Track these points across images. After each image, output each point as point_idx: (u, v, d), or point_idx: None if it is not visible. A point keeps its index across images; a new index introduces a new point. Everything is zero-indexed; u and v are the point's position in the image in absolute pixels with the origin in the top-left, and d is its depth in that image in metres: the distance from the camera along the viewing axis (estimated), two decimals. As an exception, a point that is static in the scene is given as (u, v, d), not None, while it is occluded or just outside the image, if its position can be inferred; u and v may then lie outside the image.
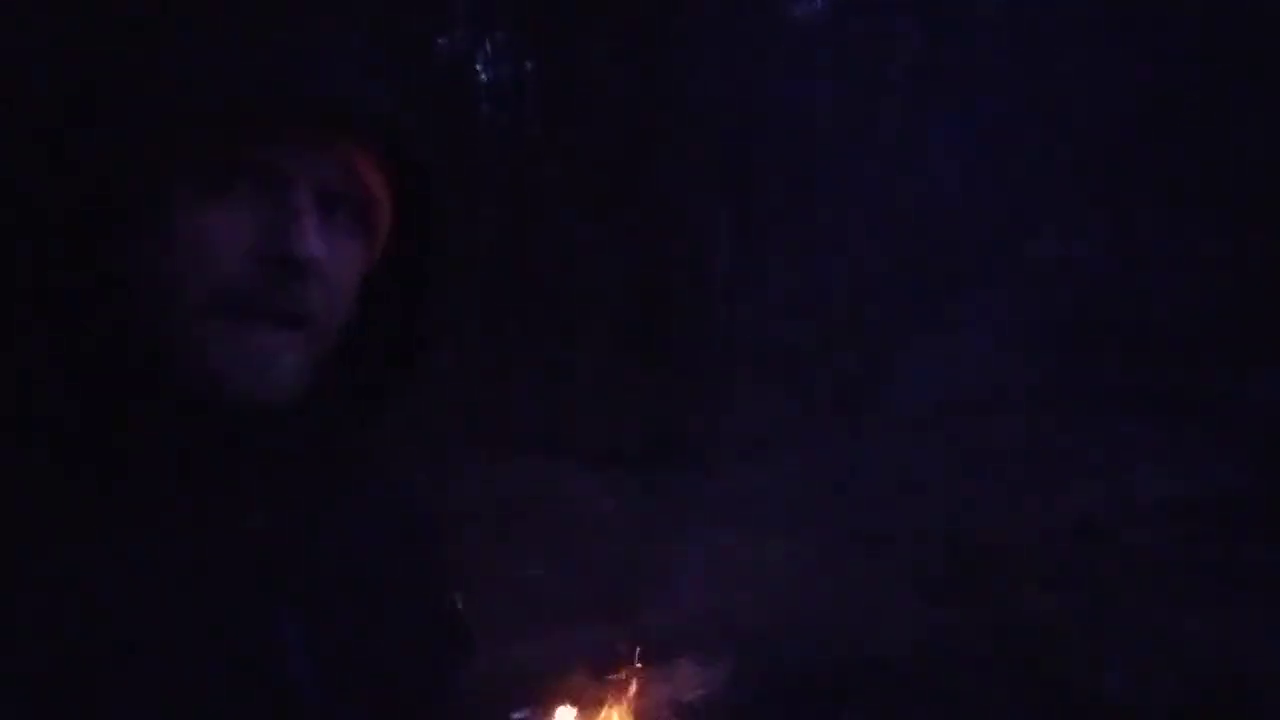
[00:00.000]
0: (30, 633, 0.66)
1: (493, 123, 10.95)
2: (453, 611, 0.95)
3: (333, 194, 0.75)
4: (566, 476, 7.49)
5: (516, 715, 3.34)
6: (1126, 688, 4.58)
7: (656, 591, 5.42)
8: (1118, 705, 4.51)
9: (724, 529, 6.46)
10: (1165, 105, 10.79)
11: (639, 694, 3.41)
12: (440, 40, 10.36)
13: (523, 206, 9.56)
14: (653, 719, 3.50)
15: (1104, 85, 11.08)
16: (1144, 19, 11.28)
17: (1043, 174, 11.28)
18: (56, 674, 0.66)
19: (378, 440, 0.91)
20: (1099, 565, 6.06)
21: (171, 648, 0.70)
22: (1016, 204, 11.17)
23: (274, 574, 0.77)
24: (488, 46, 10.79)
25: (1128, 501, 7.05)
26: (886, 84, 12.83)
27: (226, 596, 0.74)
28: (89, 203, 0.70)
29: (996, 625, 5.21)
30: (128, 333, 0.72)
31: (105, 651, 0.68)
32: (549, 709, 3.34)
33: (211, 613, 0.73)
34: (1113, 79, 10.97)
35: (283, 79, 0.72)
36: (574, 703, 3.32)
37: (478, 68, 10.73)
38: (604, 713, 3.41)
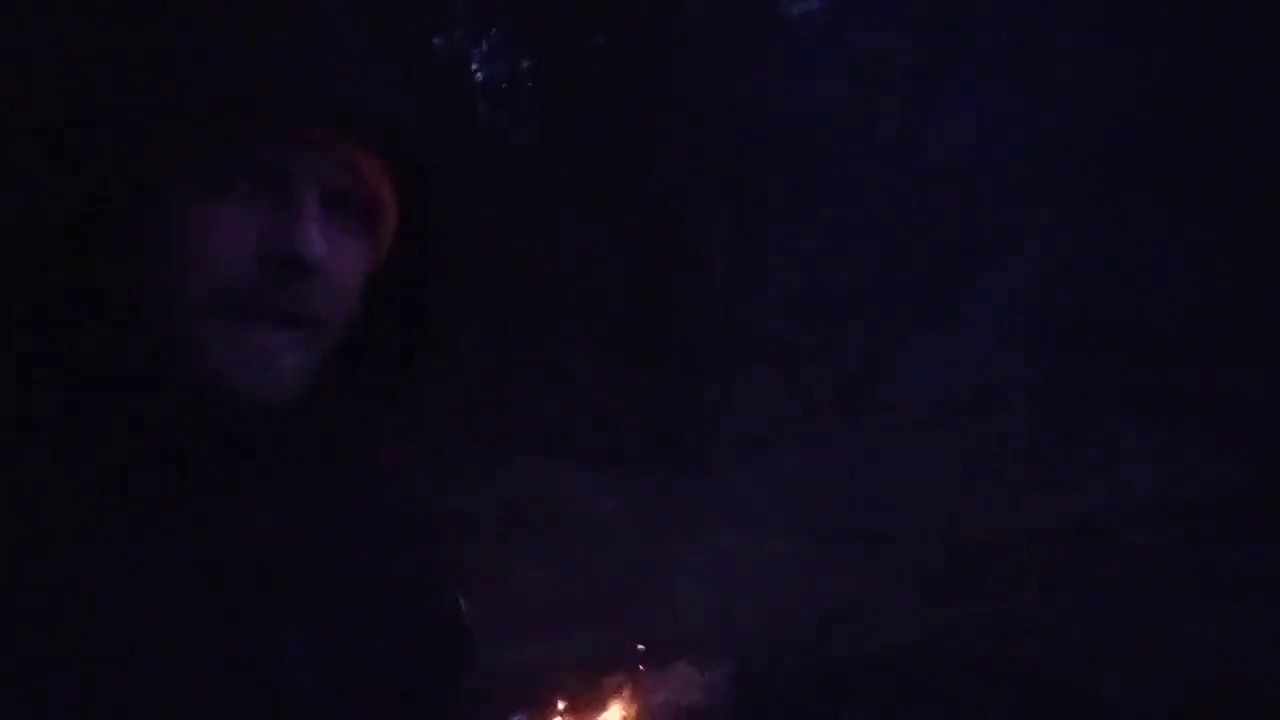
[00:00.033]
0: (30, 633, 0.66)
1: (491, 122, 10.95)
2: (455, 614, 0.95)
3: (336, 194, 0.75)
4: (566, 477, 7.49)
5: (515, 718, 3.33)
6: (1126, 688, 4.58)
7: (655, 593, 5.42)
8: (1117, 705, 4.51)
9: (724, 529, 6.46)
10: (1165, 105, 10.79)
11: (638, 696, 3.40)
12: (437, 40, 10.36)
13: (521, 206, 9.55)
14: (652, 721, 3.50)
15: (1104, 85, 11.08)
16: (1144, 19, 11.28)
17: (1043, 173, 11.27)
18: (56, 674, 0.66)
19: (378, 440, 0.91)
20: (1099, 565, 6.06)
21: (171, 648, 0.70)
22: (1016, 204, 11.17)
23: (274, 574, 0.77)
24: (484, 46, 10.79)
25: (1127, 501, 7.05)
26: (886, 83, 12.81)
27: (226, 596, 0.74)
28: (89, 201, 0.70)
29: (996, 625, 5.20)
30: (128, 332, 0.72)
31: (105, 651, 0.67)
32: (547, 711, 3.34)
33: (211, 613, 0.73)
34: (1113, 79, 10.97)
35: (285, 78, 0.72)
36: (573, 705, 3.32)
37: (474, 67, 10.74)
38: (603, 715, 3.40)
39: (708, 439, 8.60)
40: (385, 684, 0.81)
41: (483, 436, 7.66)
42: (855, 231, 11.43)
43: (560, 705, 3.32)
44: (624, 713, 3.40)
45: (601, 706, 3.38)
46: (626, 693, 3.42)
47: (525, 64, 10.71)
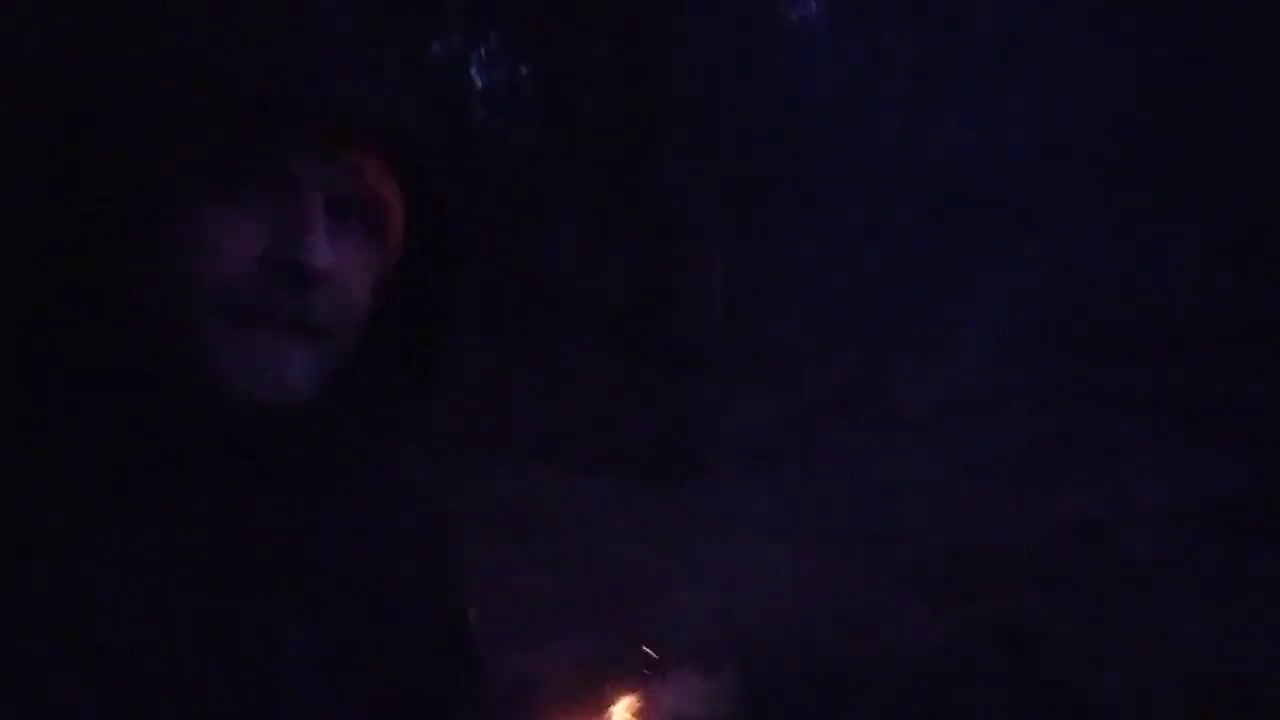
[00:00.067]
0: (30, 633, 0.65)
1: (488, 125, 10.94)
2: (461, 621, 0.94)
3: (343, 199, 0.75)
4: (565, 481, 7.48)
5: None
6: (1126, 689, 4.58)
7: (656, 597, 5.41)
8: (1118, 706, 4.51)
9: (724, 533, 6.46)
10: (1166, 105, 10.79)
11: (640, 703, 3.39)
12: (435, 44, 10.36)
13: (521, 208, 9.55)
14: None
15: (1104, 85, 11.08)
16: (1144, 19, 11.28)
17: (1042, 174, 11.28)
18: (56, 674, 0.65)
19: (380, 443, 0.90)
20: (1099, 567, 6.05)
21: (171, 648, 0.70)
22: (1016, 205, 11.17)
23: (274, 574, 0.76)
24: (483, 52, 10.80)
25: (1128, 503, 7.05)
26: (886, 83, 12.82)
27: (227, 596, 0.73)
28: (92, 203, 0.70)
29: (997, 627, 5.20)
30: (130, 333, 0.72)
31: (105, 651, 0.67)
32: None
33: (211, 613, 0.72)
34: (1113, 79, 10.97)
35: (290, 82, 0.71)
36: (574, 713, 3.31)
37: (473, 72, 10.75)
38: (607, 721, 3.40)
39: (708, 442, 8.60)
40: (386, 684, 0.81)
41: (482, 440, 7.66)
42: (855, 233, 11.44)
43: (561, 714, 3.31)
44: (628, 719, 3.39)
45: (604, 714, 3.37)
46: (630, 700, 3.42)
47: (524, 69, 10.71)
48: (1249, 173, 10.38)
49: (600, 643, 4.30)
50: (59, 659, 0.66)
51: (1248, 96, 10.56)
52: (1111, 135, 11.14)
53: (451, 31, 10.59)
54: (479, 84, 10.85)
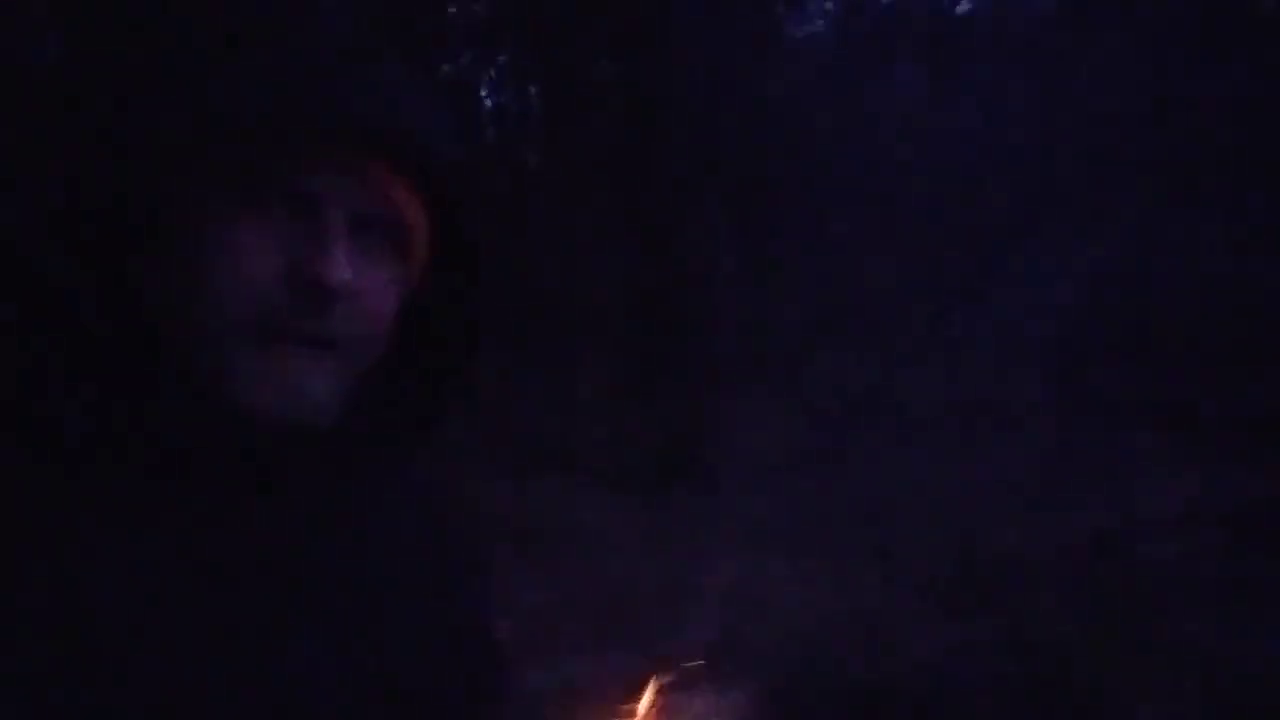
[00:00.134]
0: (30, 633, 0.66)
1: (497, 144, 11.02)
2: (484, 630, 0.95)
3: (366, 217, 0.75)
4: (574, 496, 7.47)
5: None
6: (1143, 701, 4.55)
7: (669, 613, 5.39)
8: (1135, 718, 4.48)
9: (736, 547, 6.43)
10: (1167, 105, 10.79)
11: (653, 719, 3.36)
12: (445, 67, 10.43)
13: (528, 225, 9.58)
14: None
15: (1107, 88, 11.08)
16: (1144, 19, 11.30)
17: (1049, 180, 11.28)
18: (56, 674, 0.66)
19: (404, 455, 0.91)
20: (1115, 578, 6.02)
21: (172, 648, 0.70)
22: (1029, 212, 11.17)
23: (279, 575, 0.77)
24: (492, 73, 10.89)
25: (1144, 515, 7.02)
26: (889, 86, 12.86)
27: (228, 598, 0.74)
28: (118, 219, 0.71)
29: (1012, 640, 5.18)
30: (144, 345, 0.73)
31: (105, 652, 0.68)
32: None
33: (213, 614, 0.73)
34: (1113, 79, 10.97)
35: (315, 101, 0.72)
36: (590, 729, 3.28)
37: (484, 94, 10.86)
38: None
39: (718, 456, 8.58)
40: (391, 690, 0.81)
41: (490, 454, 7.66)
42: (862, 243, 11.45)
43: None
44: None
45: (623, 730, 3.33)
46: (641, 715, 3.38)
47: (533, 90, 10.80)
48: (1271, 177, 10.34)
49: (613, 661, 4.28)
50: (59, 659, 0.66)
51: (1248, 96, 10.55)
52: (1123, 141, 11.14)
53: (461, 53, 10.67)
54: (489, 104, 10.96)
